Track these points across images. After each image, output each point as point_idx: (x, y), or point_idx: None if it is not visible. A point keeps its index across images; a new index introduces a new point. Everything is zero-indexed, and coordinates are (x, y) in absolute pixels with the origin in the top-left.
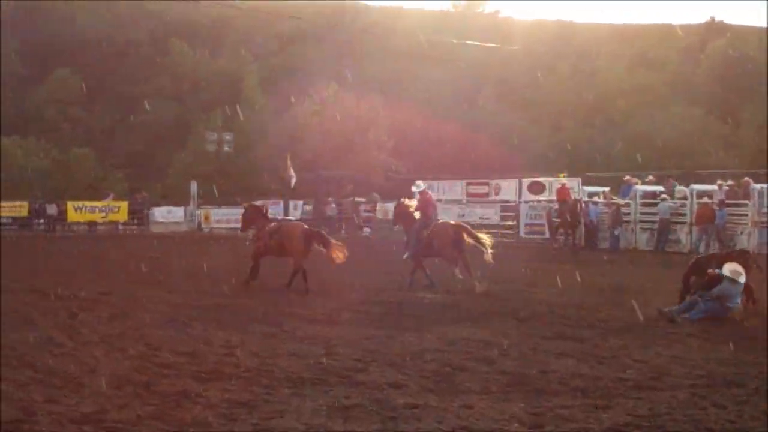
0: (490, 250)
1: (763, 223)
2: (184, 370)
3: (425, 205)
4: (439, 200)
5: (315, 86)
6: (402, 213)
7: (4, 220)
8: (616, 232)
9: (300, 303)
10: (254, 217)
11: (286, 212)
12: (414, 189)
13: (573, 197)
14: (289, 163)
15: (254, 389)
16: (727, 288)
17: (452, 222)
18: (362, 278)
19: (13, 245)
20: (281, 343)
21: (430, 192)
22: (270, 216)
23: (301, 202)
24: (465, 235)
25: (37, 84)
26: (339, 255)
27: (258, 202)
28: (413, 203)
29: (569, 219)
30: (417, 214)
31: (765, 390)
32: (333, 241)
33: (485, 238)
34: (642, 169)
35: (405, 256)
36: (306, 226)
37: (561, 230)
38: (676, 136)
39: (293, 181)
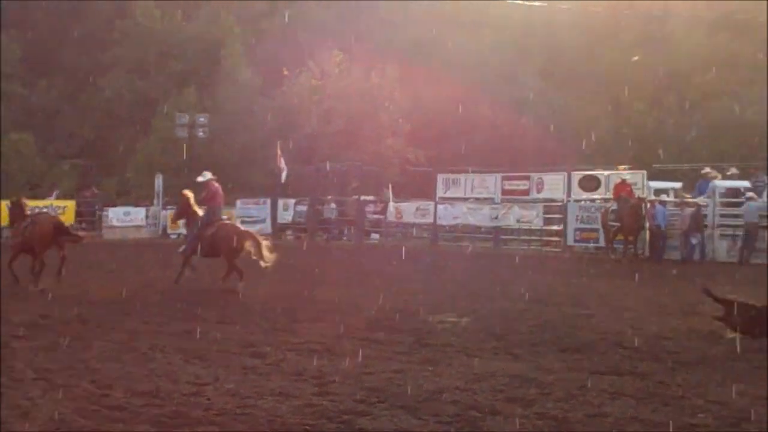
0: (267, 264)
1: None
2: (141, 415)
3: (211, 197)
4: (467, 199)
5: (314, 56)
6: (184, 206)
7: None
8: (694, 241)
9: (289, 329)
10: (17, 212)
11: (274, 212)
12: (200, 179)
13: (636, 195)
14: (279, 152)
15: None
16: None
17: (239, 226)
18: (366, 298)
19: None
20: (264, 379)
21: (216, 183)
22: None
23: (293, 201)
24: (247, 244)
25: None
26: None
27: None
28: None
29: (630, 223)
30: (199, 209)
31: None
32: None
33: (266, 250)
34: (723, 160)
35: (180, 249)
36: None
37: (620, 237)
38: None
39: (284, 174)
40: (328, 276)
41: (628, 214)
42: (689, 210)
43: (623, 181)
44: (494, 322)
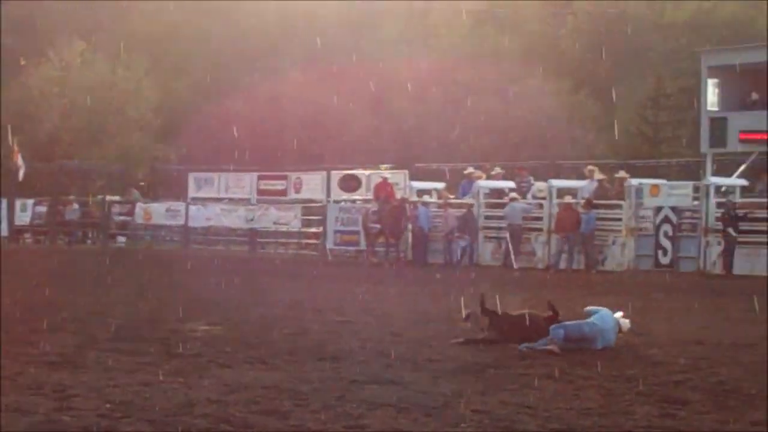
0: None
1: (639, 229)
2: None
3: None
4: (221, 199)
5: (55, 44)
6: None
7: None
8: (463, 243)
9: (27, 339)
10: None
11: (10, 214)
12: None
13: (398, 196)
14: (15, 148)
15: None
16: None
17: None
18: (111, 305)
19: None
20: None
21: None
22: None
23: (31, 202)
24: None
25: None
26: None
27: None
28: None
29: (392, 225)
30: None
31: None
32: None
33: None
34: (488, 159)
35: None
36: None
37: (381, 240)
38: (534, 117)
39: (21, 172)
40: (69, 282)
41: (388, 215)
42: (453, 211)
43: (384, 181)
44: (248, 331)
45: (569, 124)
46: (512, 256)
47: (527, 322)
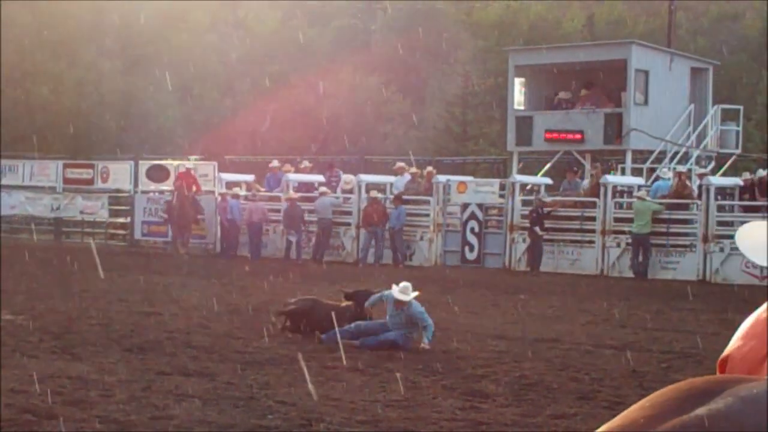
0: None
1: (448, 226)
2: None
3: None
4: (26, 187)
5: None
6: None
7: None
8: (291, 238)
9: None
10: None
11: None
12: None
13: (201, 187)
14: None
15: None
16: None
17: None
18: None
19: None
20: None
21: None
22: None
23: None
24: None
25: None
26: None
27: None
28: None
29: (180, 215)
30: None
31: None
32: None
33: None
34: (298, 152)
35: None
36: None
37: (195, 231)
38: (344, 112)
39: None
40: None
41: (182, 205)
42: (262, 204)
43: (187, 171)
44: (53, 321)
45: (379, 119)
46: (322, 250)
47: (327, 312)
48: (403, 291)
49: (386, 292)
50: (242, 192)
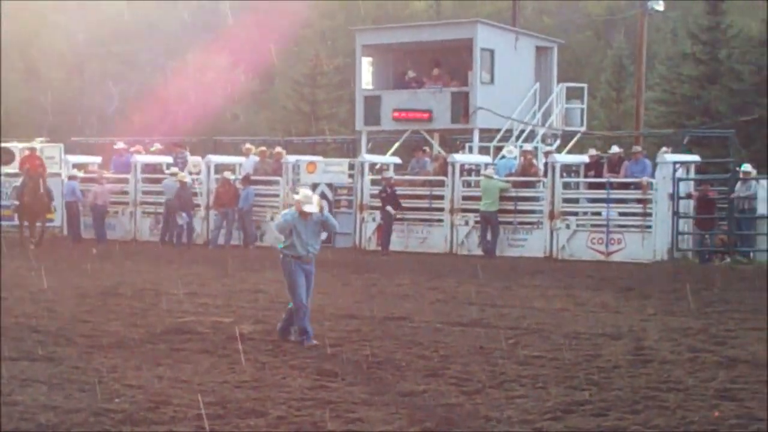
0: None
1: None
2: None
3: None
4: None
5: None
6: None
7: None
8: (181, 222)
9: None
10: None
11: None
12: None
13: (47, 168)
14: None
15: None
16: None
17: None
18: None
19: None
20: None
21: None
22: None
23: None
24: None
25: None
26: None
27: None
28: None
29: (33, 199)
30: None
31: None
32: None
33: None
34: (147, 134)
35: None
36: None
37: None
38: (193, 93)
39: None
40: None
41: (31, 189)
42: (110, 186)
43: (32, 153)
44: None
45: (229, 100)
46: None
47: None
48: (306, 201)
49: (284, 212)
50: (80, 174)
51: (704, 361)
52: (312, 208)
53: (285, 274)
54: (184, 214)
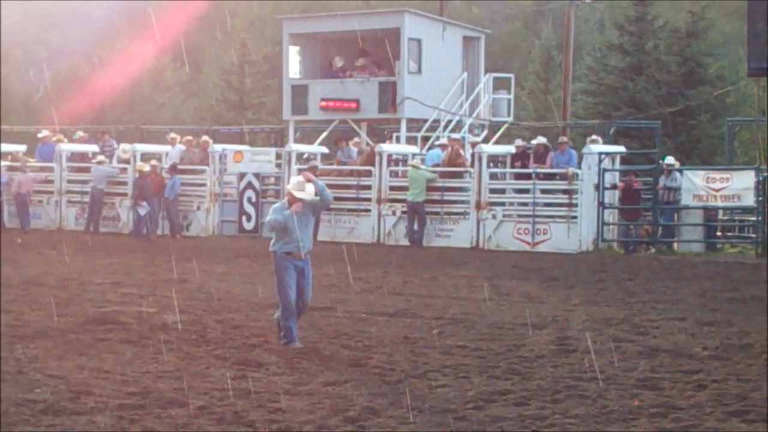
0: None
1: (225, 195)
2: None
3: None
4: None
5: None
6: None
7: None
8: (142, 212)
9: None
10: None
11: None
12: None
13: None
14: None
15: None
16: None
17: None
18: None
19: None
20: None
21: None
22: None
23: None
24: None
25: None
26: None
27: None
28: None
29: None
30: None
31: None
32: None
33: None
34: (74, 122)
35: None
36: None
37: None
38: (120, 81)
39: None
40: None
41: None
42: (33, 175)
43: None
44: None
45: (156, 88)
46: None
47: None
48: (299, 188)
49: (275, 206)
50: (4, 162)
51: (626, 351)
52: (306, 195)
53: (275, 272)
54: (144, 204)
